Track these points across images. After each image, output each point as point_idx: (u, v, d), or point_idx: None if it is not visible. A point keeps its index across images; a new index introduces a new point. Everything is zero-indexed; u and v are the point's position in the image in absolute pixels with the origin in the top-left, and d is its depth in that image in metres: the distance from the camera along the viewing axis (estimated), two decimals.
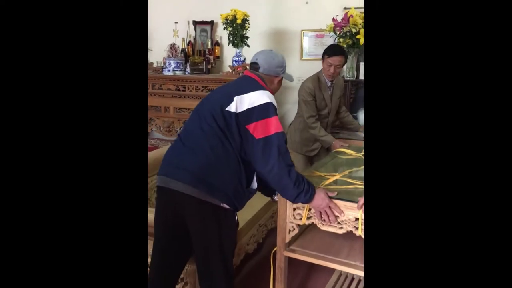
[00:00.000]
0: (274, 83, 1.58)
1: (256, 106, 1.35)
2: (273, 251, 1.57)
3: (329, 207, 1.37)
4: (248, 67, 1.61)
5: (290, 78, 1.68)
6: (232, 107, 1.36)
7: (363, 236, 1.35)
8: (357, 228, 1.37)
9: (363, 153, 1.96)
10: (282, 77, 1.61)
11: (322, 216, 1.39)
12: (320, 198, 1.37)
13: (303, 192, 1.35)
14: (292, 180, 1.33)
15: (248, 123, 1.34)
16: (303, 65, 3.44)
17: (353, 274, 1.92)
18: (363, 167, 1.72)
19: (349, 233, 1.41)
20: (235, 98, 1.36)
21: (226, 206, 1.35)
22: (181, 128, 1.53)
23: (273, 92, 1.55)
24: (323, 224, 1.42)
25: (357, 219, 1.36)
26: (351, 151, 2.03)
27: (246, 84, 1.46)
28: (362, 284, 1.90)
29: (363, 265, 1.42)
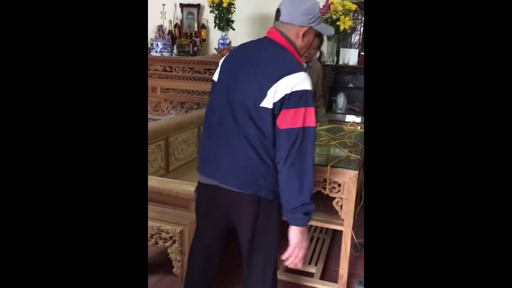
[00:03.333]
0: (299, 36, 1.27)
1: (293, 92, 1.17)
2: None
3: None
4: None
5: (328, 30, 1.36)
6: (266, 103, 1.18)
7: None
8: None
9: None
10: (311, 29, 1.28)
11: (293, 252, 1.25)
12: (304, 233, 1.24)
13: (304, 206, 1.19)
14: (304, 186, 1.18)
15: (279, 111, 1.18)
16: None
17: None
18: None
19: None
20: (269, 93, 1.17)
21: (273, 199, 1.26)
22: (210, 115, 1.36)
23: (299, 52, 1.30)
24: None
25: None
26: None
27: (275, 61, 1.23)
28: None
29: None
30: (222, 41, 3.40)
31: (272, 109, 1.18)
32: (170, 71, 3.51)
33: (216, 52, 3.30)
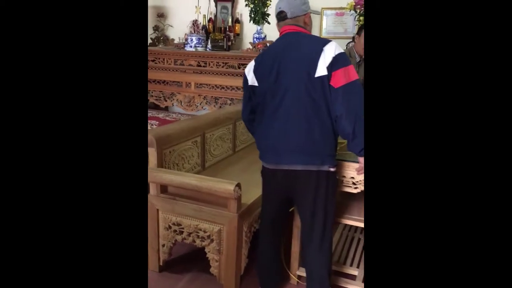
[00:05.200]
0: (306, 22, 1.56)
1: (337, 55, 1.38)
2: (291, 209, 1.71)
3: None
4: (276, 21, 1.57)
5: (317, 12, 1.66)
6: (320, 71, 1.38)
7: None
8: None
9: None
10: (309, 13, 1.58)
11: (361, 170, 1.55)
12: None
13: (362, 144, 1.41)
14: (361, 130, 1.38)
15: (330, 75, 1.38)
16: None
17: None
18: None
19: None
20: (319, 63, 1.38)
21: (333, 169, 1.48)
22: (259, 106, 1.55)
23: (310, 31, 1.58)
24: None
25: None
26: None
27: (310, 41, 1.47)
28: None
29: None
30: (258, 35, 3.33)
31: (327, 75, 1.39)
32: (204, 66, 3.48)
33: (251, 47, 3.24)
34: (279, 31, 1.57)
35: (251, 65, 1.57)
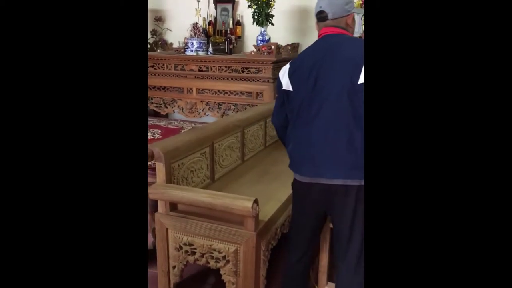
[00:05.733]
0: (349, 23, 1.45)
1: None
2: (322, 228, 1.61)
3: None
4: (316, 20, 1.46)
5: (360, 11, 1.61)
6: (363, 78, 1.28)
7: None
8: None
9: None
10: (352, 13, 1.47)
11: None
12: None
13: None
14: None
15: None
16: None
17: None
18: None
19: None
20: (364, 69, 1.27)
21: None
22: (293, 112, 1.45)
23: (352, 34, 1.47)
24: None
25: None
26: None
27: (352, 45, 1.36)
28: None
29: None
30: (262, 37, 3.21)
31: None
32: (206, 71, 3.34)
33: (254, 49, 3.10)
34: (318, 31, 1.47)
35: (285, 68, 1.48)
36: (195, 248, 1.65)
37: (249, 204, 1.47)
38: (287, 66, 1.49)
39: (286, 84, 1.46)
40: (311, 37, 3.40)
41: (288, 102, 1.47)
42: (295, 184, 1.48)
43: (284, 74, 1.47)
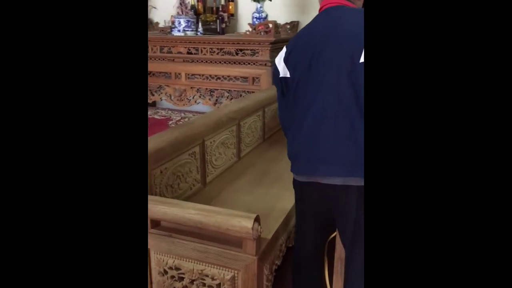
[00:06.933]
0: None
1: None
2: (329, 238, 1.37)
3: None
4: None
5: None
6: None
7: None
8: None
9: None
10: None
11: None
12: None
13: None
14: None
15: None
16: None
17: None
18: None
19: None
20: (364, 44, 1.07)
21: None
22: (290, 101, 1.22)
23: (361, 6, 1.27)
24: None
25: None
26: None
27: (353, 16, 1.13)
28: None
29: None
30: (258, 15, 2.86)
31: None
32: (195, 54, 2.99)
33: (250, 28, 2.75)
34: (319, 3, 1.25)
35: (281, 53, 1.25)
36: (183, 273, 1.36)
37: (248, 224, 1.17)
38: (283, 49, 1.26)
39: (283, 70, 1.22)
40: (312, 14, 3.06)
41: (287, 91, 1.24)
42: (294, 184, 1.29)
43: (280, 60, 1.24)
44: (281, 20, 2.98)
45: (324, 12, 1.21)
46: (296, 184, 1.27)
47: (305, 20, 3.11)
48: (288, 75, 1.20)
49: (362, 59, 1.07)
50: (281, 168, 1.97)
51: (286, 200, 1.62)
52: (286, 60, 1.21)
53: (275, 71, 1.26)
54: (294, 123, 1.23)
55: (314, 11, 3.03)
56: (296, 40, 1.23)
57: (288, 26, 2.99)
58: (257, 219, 1.20)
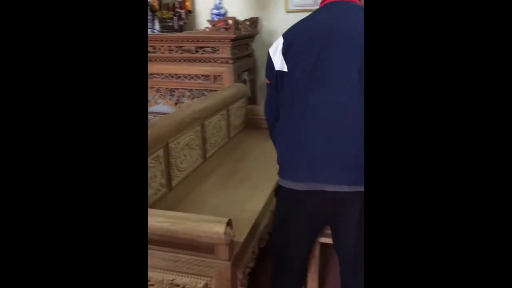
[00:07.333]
0: None
1: None
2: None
3: None
4: None
5: None
6: None
7: None
8: None
9: None
10: None
11: None
12: None
13: None
14: None
15: None
16: (288, 17, 2.98)
17: None
18: None
19: None
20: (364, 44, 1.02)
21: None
22: (287, 99, 1.15)
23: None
24: None
25: None
26: None
27: (361, 16, 1.04)
28: None
29: None
30: (217, 11, 2.79)
31: None
32: (153, 52, 2.87)
33: (209, 25, 2.68)
34: None
35: (278, 43, 1.17)
36: (153, 285, 1.29)
37: (220, 229, 1.12)
38: (280, 40, 1.18)
39: (280, 64, 1.15)
40: (272, 9, 3.03)
41: (282, 86, 1.16)
42: (282, 192, 1.19)
43: (276, 51, 1.16)
44: (241, 17, 2.93)
45: (328, 6, 1.16)
46: (289, 194, 1.17)
47: (265, 16, 3.08)
48: (286, 69, 1.13)
49: None
50: (248, 167, 1.94)
51: (255, 200, 1.59)
52: (284, 53, 1.13)
53: (270, 63, 1.18)
54: (288, 124, 1.15)
55: (273, 7, 3.01)
56: (296, 32, 1.16)
57: (248, 23, 2.95)
58: (229, 223, 1.16)
